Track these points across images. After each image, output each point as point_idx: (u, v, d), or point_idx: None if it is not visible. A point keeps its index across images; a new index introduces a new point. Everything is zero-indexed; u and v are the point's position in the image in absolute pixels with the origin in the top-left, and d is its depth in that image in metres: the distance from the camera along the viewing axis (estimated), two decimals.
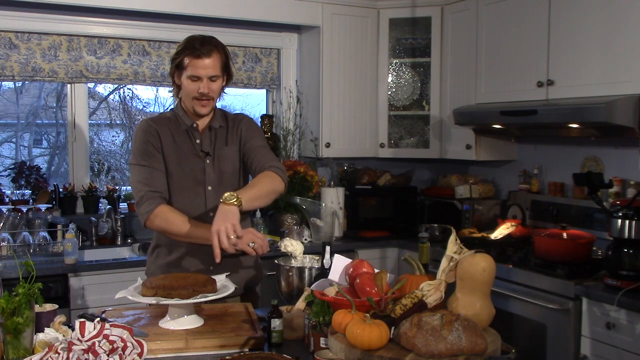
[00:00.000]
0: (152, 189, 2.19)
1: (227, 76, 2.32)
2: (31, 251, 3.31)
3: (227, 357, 1.62)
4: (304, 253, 2.30)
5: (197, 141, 2.30)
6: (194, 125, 2.31)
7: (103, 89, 7.05)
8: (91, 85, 5.17)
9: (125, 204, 3.94)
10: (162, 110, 7.22)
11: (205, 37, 2.27)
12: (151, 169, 2.22)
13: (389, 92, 4.22)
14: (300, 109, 4.24)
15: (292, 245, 2.19)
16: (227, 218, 1.99)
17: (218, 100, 2.35)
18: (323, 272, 2.06)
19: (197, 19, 3.85)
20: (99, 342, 1.55)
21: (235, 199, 2.03)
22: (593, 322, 2.67)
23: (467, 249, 1.75)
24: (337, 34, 4.05)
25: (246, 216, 2.43)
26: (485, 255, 1.69)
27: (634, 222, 2.59)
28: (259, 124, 4.15)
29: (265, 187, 2.20)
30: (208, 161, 2.30)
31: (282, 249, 2.19)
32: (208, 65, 2.20)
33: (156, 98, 7.18)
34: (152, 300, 1.85)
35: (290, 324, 1.89)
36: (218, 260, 1.98)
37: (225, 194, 2.05)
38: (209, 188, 2.29)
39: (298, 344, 1.85)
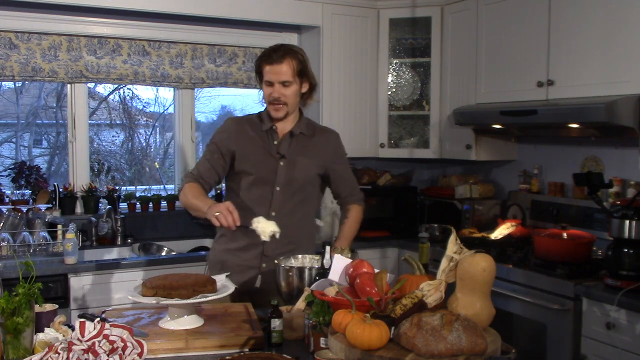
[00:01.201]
0: (195, 172, 2.43)
1: (308, 83, 2.43)
2: (31, 251, 3.31)
3: (227, 357, 1.62)
4: (306, 253, 2.31)
5: (275, 142, 2.43)
6: (273, 127, 2.44)
7: (103, 89, 7.03)
8: (91, 85, 5.17)
9: (125, 204, 3.94)
10: (161, 111, 7.24)
11: (282, 45, 2.41)
12: (205, 160, 2.45)
13: (389, 92, 4.22)
14: None
15: (261, 224, 2.17)
16: None
17: (304, 107, 2.51)
18: (323, 272, 2.06)
19: (197, 19, 3.86)
20: (99, 342, 1.55)
21: (341, 252, 2.23)
22: (593, 322, 2.67)
23: (467, 249, 1.75)
24: (337, 34, 4.04)
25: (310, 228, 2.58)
26: (485, 255, 1.69)
27: (634, 222, 2.59)
28: None
29: (356, 226, 2.62)
30: (282, 163, 2.42)
31: (251, 226, 2.18)
32: (279, 70, 2.33)
33: (156, 98, 7.17)
34: (152, 300, 1.85)
35: (290, 324, 1.89)
36: None
37: (337, 248, 2.28)
38: (277, 189, 2.41)
39: (298, 344, 1.85)
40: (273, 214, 2.40)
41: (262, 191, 2.41)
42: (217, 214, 2.12)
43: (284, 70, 2.34)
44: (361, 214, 2.68)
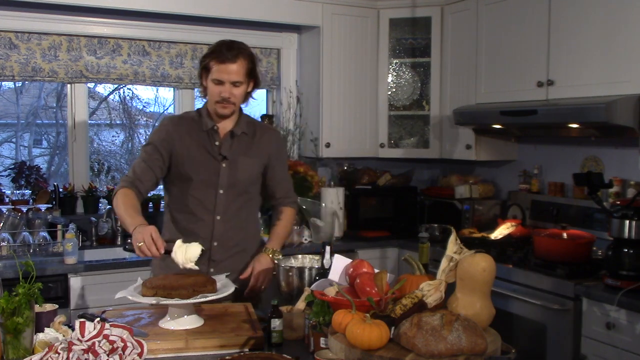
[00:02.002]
0: (132, 175, 2.29)
1: (254, 82, 2.35)
2: (31, 251, 3.31)
3: (227, 357, 1.62)
4: (306, 253, 2.31)
5: (217, 143, 2.34)
6: (215, 127, 2.34)
7: (103, 89, 7.05)
8: (91, 85, 5.17)
9: None
10: (162, 111, 7.25)
11: (234, 42, 2.30)
12: (142, 161, 2.31)
13: (389, 92, 4.22)
14: (300, 109, 4.24)
15: (178, 247, 1.99)
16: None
17: (245, 105, 2.40)
18: (323, 272, 2.06)
19: (197, 19, 3.86)
20: (99, 342, 1.55)
21: (271, 253, 2.38)
22: (593, 322, 2.67)
23: (467, 249, 1.75)
24: (337, 34, 4.04)
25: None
26: (485, 255, 1.69)
27: (634, 222, 2.59)
28: None
29: (288, 229, 2.53)
30: (224, 165, 2.33)
31: (172, 254, 2.00)
32: (232, 70, 2.24)
33: (156, 98, 7.18)
34: (152, 300, 1.85)
35: (290, 324, 1.89)
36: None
37: (268, 249, 2.39)
38: (221, 191, 2.33)
39: (298, 344, 1.85)
40: (218, 217, 2.33)
41: (205, 195, 2.32)
42: (140, 244, 1.98)
43: (236, 70, 2.24)
44: (294, 218, 2.59)
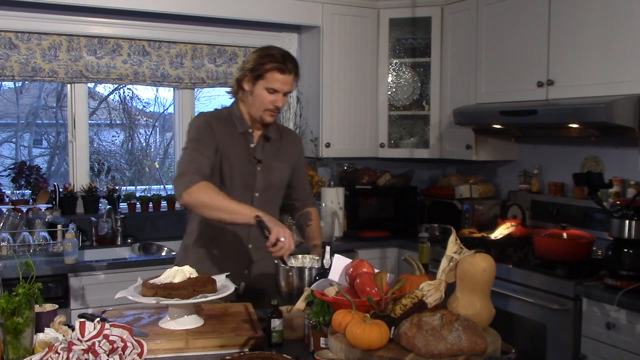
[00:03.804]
0: (196, 168, 2.18)
1: None
2: (31, 251, 3.31)
3: (227, 357, 1.62)
4: (304, 253, 2.31)
5: (252, 146, 2.36)
6: (249, 130, 2.36)
7: (103, 89, 7.03)
8: (91, 85, 5.17)
9: (125, 204, 3.94)
10: (161, 111, 7.24)
11: (286, 52, 2.30)
12: (199, 153, 2.22)
13: (389, 92, 4.22)
14: (300, 109, 4.24)
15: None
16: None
17: None
18: (323, 272, 2.06)
19: (197, 19, 3.86)
20: (99, 342, 1.55)
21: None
22: (593, 322, 2.67)
23: (467, 249, 1.75)
24: (337, 34, 4.05)
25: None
26: (485, 255, 1.69)
27: (634, 222, 2.59)
28: None
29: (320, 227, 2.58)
30: (259, 168, 2.36)
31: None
32: (289, 81, 2.27)
33: (156, 98, 7.17)
34: (152, 300, 1.85)
35: (290, 324, 1.89)
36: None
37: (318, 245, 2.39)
38: (257, 194, 2.36)
39: (298, 344, 1.85)
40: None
41: (242, 197, 2.27)
42: (283, 239, 2.01)
43: (292, 81, 2.28)
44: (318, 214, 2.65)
